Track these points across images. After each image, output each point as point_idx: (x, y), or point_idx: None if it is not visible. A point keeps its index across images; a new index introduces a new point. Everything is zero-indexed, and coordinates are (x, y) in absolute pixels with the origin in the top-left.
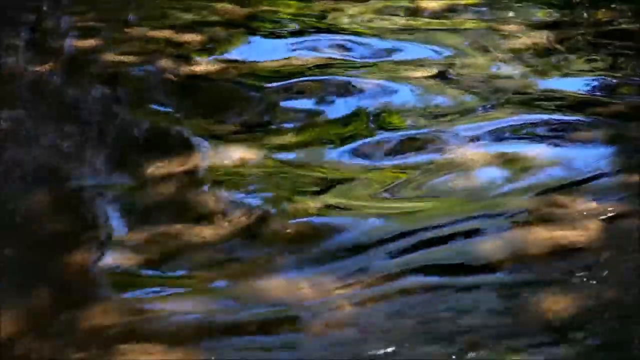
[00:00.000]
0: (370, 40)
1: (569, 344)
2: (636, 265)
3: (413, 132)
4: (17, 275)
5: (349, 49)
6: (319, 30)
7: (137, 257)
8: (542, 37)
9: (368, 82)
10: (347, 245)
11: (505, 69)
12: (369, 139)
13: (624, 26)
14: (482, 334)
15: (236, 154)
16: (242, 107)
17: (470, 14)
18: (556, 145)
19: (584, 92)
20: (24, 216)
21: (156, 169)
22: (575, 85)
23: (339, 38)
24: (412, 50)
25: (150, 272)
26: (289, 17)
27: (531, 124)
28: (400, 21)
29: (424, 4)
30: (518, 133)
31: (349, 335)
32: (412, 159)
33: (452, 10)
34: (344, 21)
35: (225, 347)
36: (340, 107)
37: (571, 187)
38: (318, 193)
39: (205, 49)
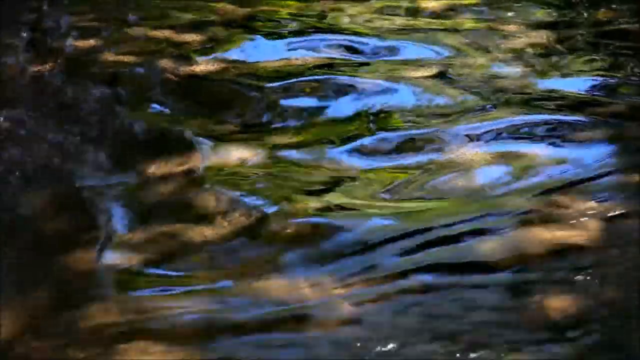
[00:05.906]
0: (370, 40)
1: (570, 344)
2: (636, 265)
3: (413, 132)
4: (17, 275)
5: (348, 49)
6: (319, 30)
7: (138, 257)
8: (542, 37)
9: (368, 82)
10: (347, 246)
11: (505, 69)
12: (369, 139)
13: (623, 26)
14: (483, 333)
15: (236, 154)
16: (242, 107)
17: (470, 14)
18: (556, 145)
19: (584, 92)
20: (24, 216)
21: (156, 169)
22: (575, 85)
23: (338, 38)
24: (412, 50)
25: (150, 272)
26: (289, 17)
27: (531, 124)
28: (400, 21)
29: (424, 4)
30: (518, 133)
31: (349, 334)
32: (412, 159)
33: (452, 10)
34: (344, 21)
35: (226, 347)
36: (340, 107)
37: (571, 187)
38: (318, 193)
39: (205, 49)
